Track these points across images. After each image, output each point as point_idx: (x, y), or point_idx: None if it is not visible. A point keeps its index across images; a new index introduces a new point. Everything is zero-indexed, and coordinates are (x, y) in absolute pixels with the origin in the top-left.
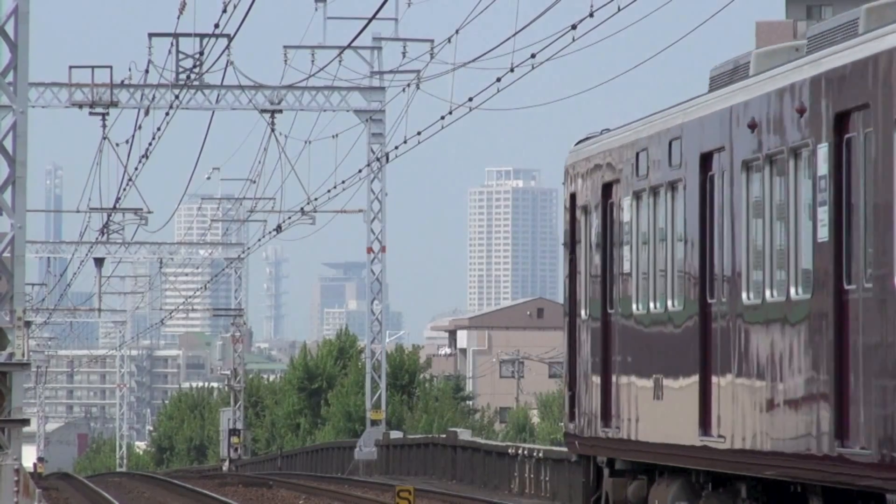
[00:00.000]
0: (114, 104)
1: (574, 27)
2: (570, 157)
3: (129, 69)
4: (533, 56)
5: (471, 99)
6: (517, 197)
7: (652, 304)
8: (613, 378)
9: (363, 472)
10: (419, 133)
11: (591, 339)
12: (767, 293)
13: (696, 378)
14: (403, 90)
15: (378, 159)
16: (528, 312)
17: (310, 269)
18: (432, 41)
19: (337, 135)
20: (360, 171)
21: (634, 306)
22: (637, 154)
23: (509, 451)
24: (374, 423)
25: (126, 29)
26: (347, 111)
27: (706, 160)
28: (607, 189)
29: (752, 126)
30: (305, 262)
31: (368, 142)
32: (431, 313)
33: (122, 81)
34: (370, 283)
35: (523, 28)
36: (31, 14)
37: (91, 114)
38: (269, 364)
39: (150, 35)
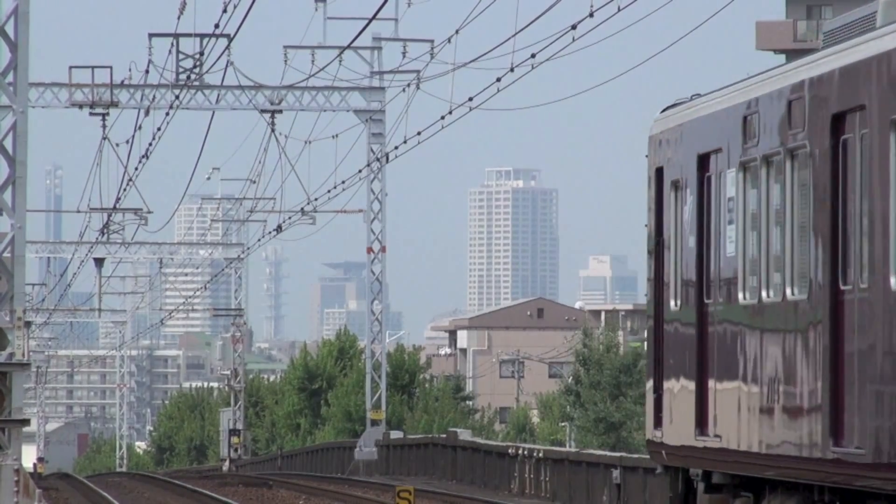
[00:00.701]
0: (114, 104)
1: (574, 27)
2: (655, 125)
3: (129, 69)
4: (533, 56)
5: (471, 99)
6: (517, 197)
7: (765, 293)
8: (712, 378)
9: (363, 472)
10: (419, 133)
11: (683, 333)
12: None
13: (824, 379)
14: (403, 90)
15: (378, 159)
16: (528, 312)
17: (310, 269)
18: (432, 41)
19: (337, 135)
20: (360, 171)
21: (741, 295)
22: (745, 118)
23: (509, 451)
24: (375, 423)
25: (126, 29)
26: (347, 111)
27: (839, 121)
28: (704, 161)
29: None
30: (305, 262)
31: (368, 142)
32: (431, 313)
33: (122, 81)
34: (370, 283)
35: (523, 28)
36: (31, 14)
37: (91, 114)
38: (269, 364)
39: (151, 35)
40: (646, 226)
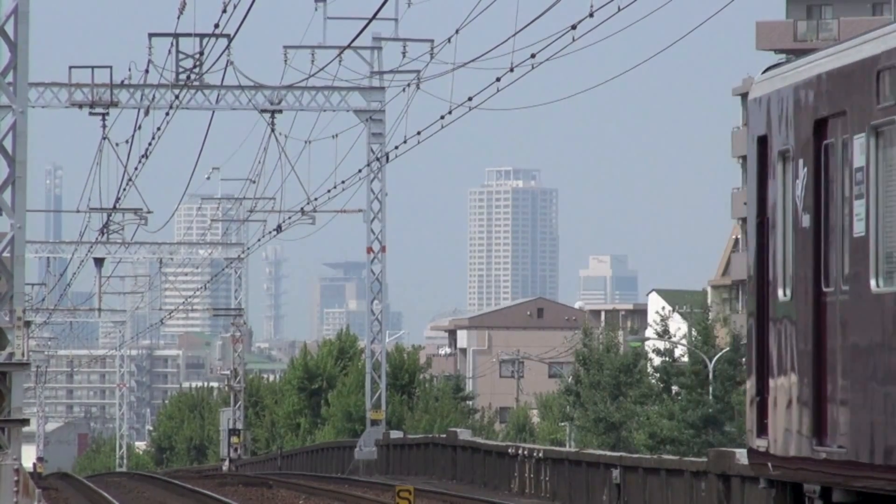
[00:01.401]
0: (114, 104)
1: (574, 27)
2: (756, 88)
3: (129, 69)
4: (533, 56)
5: (471, 99)
6: (517, 197)
7: None
8: (833, 379)
9: (363, 472)
10: (419, 133)
11: (795, 327)
12: None
13: None
14: (403, 90)
15: (378, 159)
16: (528, 312)
17: (310, 269)
18: (432, 41)
19: (337, 135)
20: (359, 171)
21: (873, 282)
22: (878, 74)
23: (509, 451)
24: (374, 423)
25: (126, 29)
26: (347, 111)
27: None
28: (821, 126)
29: None
30: (305, 262)
31: (368, 142)
32: (431, 313)
33: (122, 81)
34: (370, 283)
35: (523, 28)
36: (31, 14)
37: (91, 114)
38: (269, 364)
39: (150, 35)
40: (745, 203)
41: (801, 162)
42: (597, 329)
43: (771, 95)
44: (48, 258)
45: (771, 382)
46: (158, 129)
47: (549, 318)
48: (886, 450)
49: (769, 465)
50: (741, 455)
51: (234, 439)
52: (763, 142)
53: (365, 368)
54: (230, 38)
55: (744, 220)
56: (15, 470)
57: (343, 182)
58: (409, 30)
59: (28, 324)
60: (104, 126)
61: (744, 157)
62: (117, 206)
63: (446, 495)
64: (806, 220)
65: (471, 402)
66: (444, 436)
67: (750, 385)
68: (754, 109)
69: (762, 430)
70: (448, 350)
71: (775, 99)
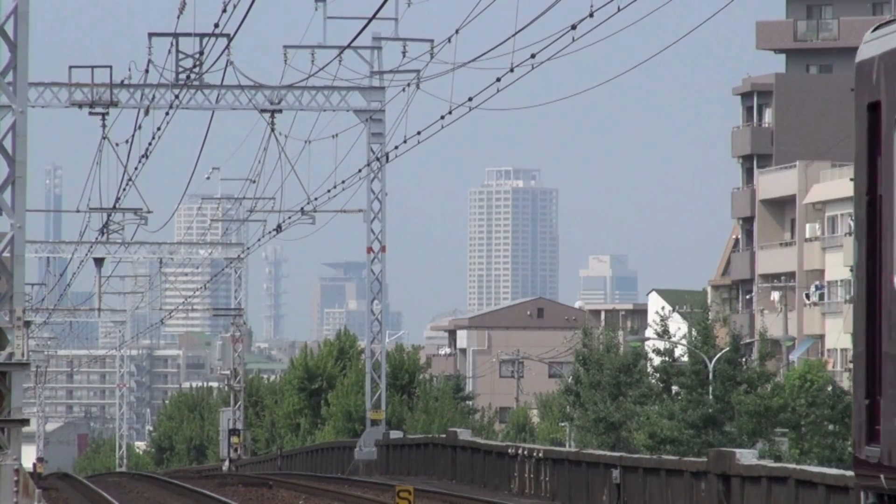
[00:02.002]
0: (114, 104)
1: (574, 27)
2: (865, 49)
3: (129, 69)
4: (533, 56)
5: (471, 99)
6: (517, 197)
7: None
8: None
9: (363, 472)
10: (419, 133)
11: None
12: None
13: None
14: (403, 90)
15: (378, 159)
16: (528, 312)
17: (310, 269)
18: (432, 41)
19: (337, 135)
20: (359, 170)
21: None
22: None
23: (509, 451)
24: (374, 423)
25: (126, 29)
26: (347, 111)
27: None
28: None
29: None
30: (305, 262)
31: (368, 142)
32: (431, 313)
33: (122, 81)
34: (370, 283)
35: (523, 28)
36: (31, 14)
37: (91, 114)
38: (269, 364)
39: (150, 35)
40: (851, 180)
41: None
42: (597, 329)
43: (886, 56)
44: (48, 258)
45: (883, 382)
46: (158, 128)
47: (549, 317)
48: None
49: (882, 477)
50: (741, 455)
51: (234, 439)
52: (874, 109)
53: (365, 368)
54: (230, 38)
55: (743, 219)
56: (15, 470)
57: (343, 182)
58: (409, 30)
59: (28, 324)
60: (104, 126)
61: (744, 157)
62: (117, 205)
63: (446, 495)
64: None
65: (471, 402)
66: (444, 436)
67: (857, 385)
68: (863, 73)
69: (872, 436)
70: (448, 350)
71: (892, 60)
